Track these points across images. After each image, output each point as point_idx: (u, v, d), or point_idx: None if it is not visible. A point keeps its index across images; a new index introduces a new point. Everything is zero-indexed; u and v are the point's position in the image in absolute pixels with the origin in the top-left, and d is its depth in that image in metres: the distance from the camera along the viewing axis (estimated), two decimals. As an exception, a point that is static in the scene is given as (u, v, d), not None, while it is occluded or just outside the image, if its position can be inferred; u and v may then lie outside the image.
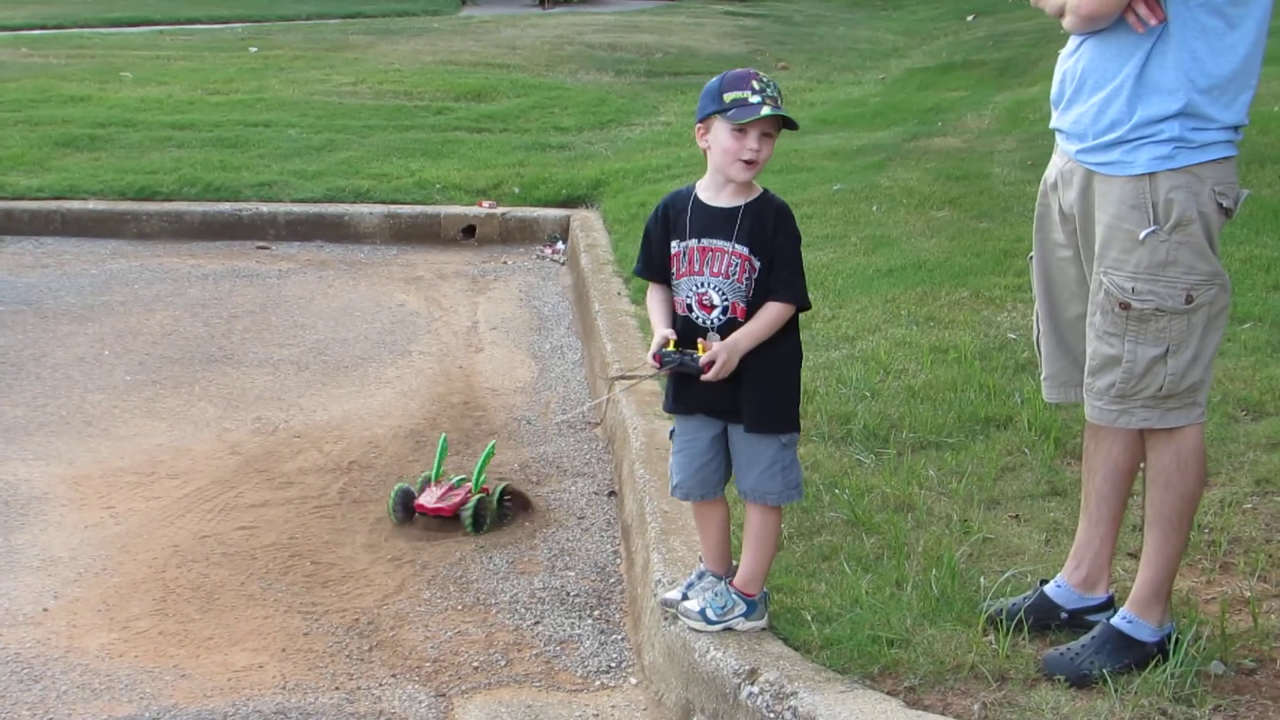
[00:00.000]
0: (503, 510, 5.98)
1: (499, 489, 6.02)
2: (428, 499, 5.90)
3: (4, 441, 6.80)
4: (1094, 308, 4.05)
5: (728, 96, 4.14)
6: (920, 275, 8.31)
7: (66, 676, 4.70)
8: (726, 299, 4.25)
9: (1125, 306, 3.95)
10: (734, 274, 4.23)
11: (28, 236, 11.33)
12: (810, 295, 4.32)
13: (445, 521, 5.88)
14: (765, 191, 4.29)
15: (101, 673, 4.73)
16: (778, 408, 4.32)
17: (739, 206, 4.25)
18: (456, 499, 5.91)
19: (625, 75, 18.56)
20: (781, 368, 4.31)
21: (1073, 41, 4.11)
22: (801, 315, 4.32)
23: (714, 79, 4.25)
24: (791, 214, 4.28)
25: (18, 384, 7.67)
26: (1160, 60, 3.88)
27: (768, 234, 4.23)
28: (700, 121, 4.25)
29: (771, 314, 4.23)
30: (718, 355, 4.16)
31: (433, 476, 6.03)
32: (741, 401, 4.29)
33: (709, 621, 4.40)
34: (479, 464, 6.07)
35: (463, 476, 6.10)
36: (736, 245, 4.23)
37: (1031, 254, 4.37)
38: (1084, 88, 4.04)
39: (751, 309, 4.25)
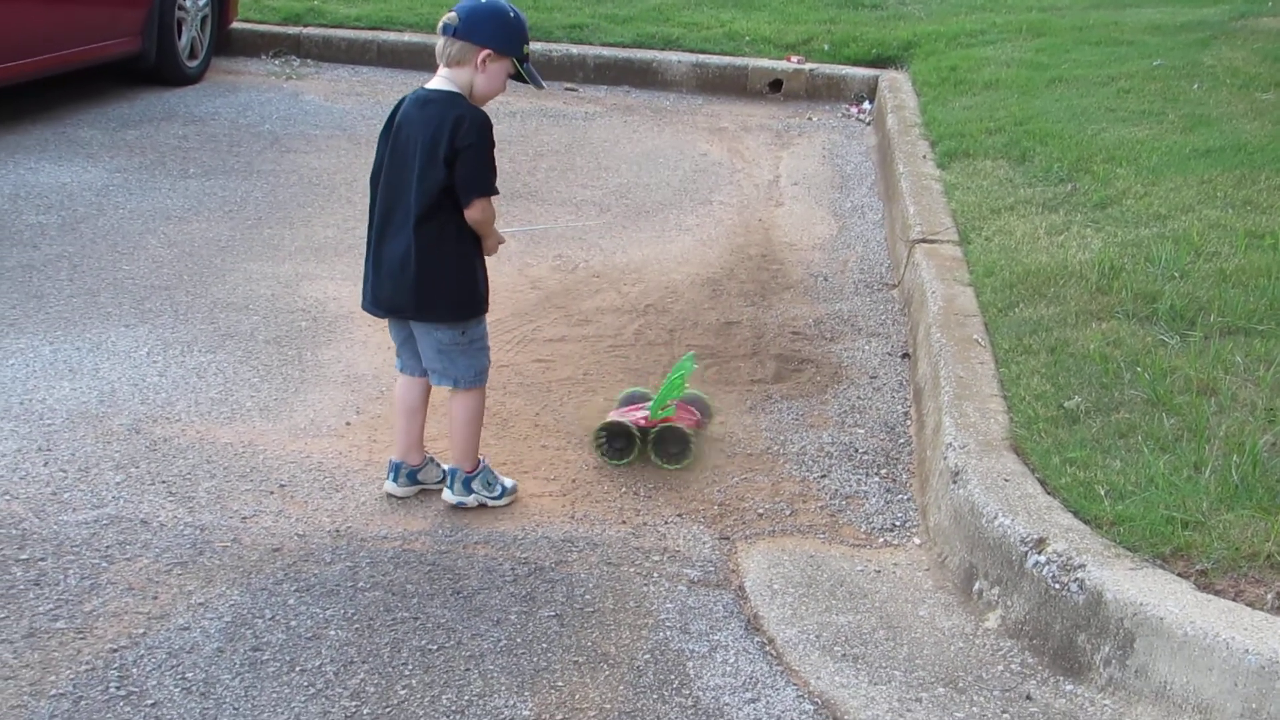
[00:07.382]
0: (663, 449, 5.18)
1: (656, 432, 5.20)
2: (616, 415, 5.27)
3: (315, 261, 7.01)
4: None
5: (527, 48, 4.64)
6: (1240, 157, 8.01)
7: (365, 489, 4.86)
8: None
9: None
10: None
11: (344, 64, 11.66)
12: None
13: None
14: None
15: (399, 488, 4.88)
16: None
17: None
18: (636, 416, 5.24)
19: (943, -64, 18.14)
20: None
21: None
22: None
23: (513, 13, 4.61)
24: None
25: (330, 206, 7.89)
26: None
27: None
28: (494, 50, 4.57)
29: None
30: None
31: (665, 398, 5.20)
32: None
33: None
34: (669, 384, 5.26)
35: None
36: None
37: None
38: None
39: None
